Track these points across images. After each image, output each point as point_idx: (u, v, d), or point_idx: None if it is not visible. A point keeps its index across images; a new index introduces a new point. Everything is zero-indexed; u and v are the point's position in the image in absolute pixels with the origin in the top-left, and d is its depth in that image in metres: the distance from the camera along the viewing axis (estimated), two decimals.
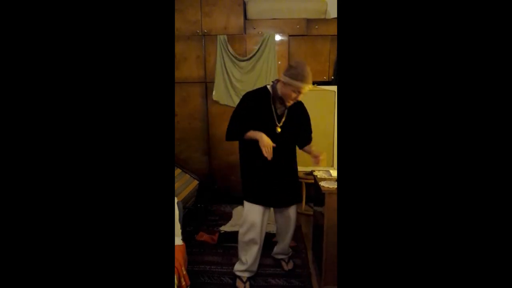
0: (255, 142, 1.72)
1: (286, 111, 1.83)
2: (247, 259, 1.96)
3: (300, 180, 3.01)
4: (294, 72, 1.67)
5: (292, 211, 1.99)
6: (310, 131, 2.00)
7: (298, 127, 1.89)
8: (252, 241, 1.92)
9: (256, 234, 1.89)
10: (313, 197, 2.94)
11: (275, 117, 1.81)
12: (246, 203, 1.91)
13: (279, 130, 1.80)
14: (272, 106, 1.81)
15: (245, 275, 2.00)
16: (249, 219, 1.89)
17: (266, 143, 1.67)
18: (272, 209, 2.01)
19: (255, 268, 2.01)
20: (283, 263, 2.20)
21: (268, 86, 1.86)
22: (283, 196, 1.90)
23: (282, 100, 1.77)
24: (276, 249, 2.23)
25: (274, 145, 1.68)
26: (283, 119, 1.82)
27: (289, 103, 1.76)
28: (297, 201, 2.01)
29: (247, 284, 1.98)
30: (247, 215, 1.90)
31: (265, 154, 1.67)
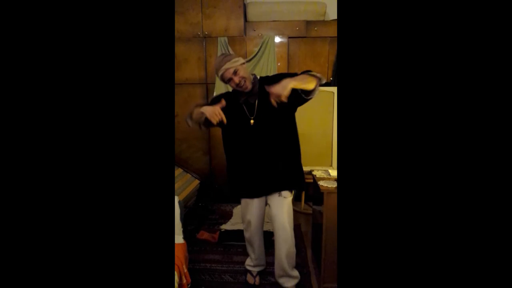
0: (230, 140, 1.75)
1: (256, 102, 1.70)
2: (253, 254, 2.01)
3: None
4: (216, 66, 1.64)
5: (285, 203, 1.78)
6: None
7: (278, 112, 1.63)
8: (251, 239, 1.96)
9: (252, 232, 1.91)
10: (312, 196, 2.98)
11: (247, 113, 1.71)
12: (241, 201, 1.90)
13: (252, 122, 1.69)
14: (242, 104, 1.72)
15: (255, 269, 2.05)
16: (245, 218, 1.90)
17: (209, 111, 1.51)
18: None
19: (263, 262, 2.04)
20: None
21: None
22: (272, 183, 1.75)
23: (247, 97, 1.70)
24: (275, 269, 1.89)
25: (224, 119, 1.51)
26: (256, 111, 1.70)
27: (246, 88, 1.64)
28: (292, 187, 1.81)
29: (257, 278, 2.03)
30: (243, 213, 1.92)
31: (212, 120, 1.50)
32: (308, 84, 1.55)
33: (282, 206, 1.78)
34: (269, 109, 1.60)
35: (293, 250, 1.83)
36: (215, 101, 1.71)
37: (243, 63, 1.65)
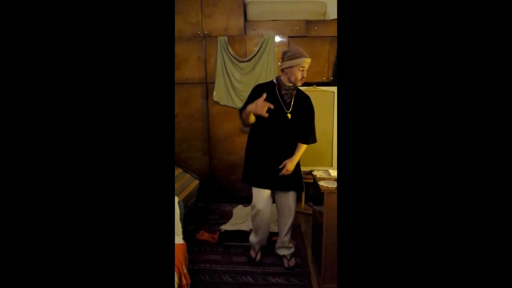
0: (262, 127, 1.95)
1: (293, 100, 1.96)
2: (257, 235, 2.19)
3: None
4: (291, 54, 1.85)
5: (291, 198, 2.07)
6: (312, 128, 2.05)
7: (305, 116, 2.00)
8: (258, 226, 2.14)
9: (260, 220, 2.10)
10: (312, 196, 2.97)
11: (283, 105, 1.94)
12: (253, 190, 2.07)
13: (289, 116, 1.94)
14: (279, 96, 1.94)
15: (257, 246, 2.25)
16: (257, 206, 2.06)
17: (259, 105, 1.76)
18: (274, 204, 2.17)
19: (265, 242, 2.26)
20: (285, 260, 2.25)
21: (274, 80, 2.00)
22: (286, 180, 2.01)
23: (287, 91, 1.92)
24: (277, 243, 2.27)
25: (271, 105, 1.77)
26: (291, 107, 1.95)
27: (300, 82, 1.89)
28: (297, 188, 2.08)
29: (259, 254, 2.26)
30: (254, 201, 2.07)
31: (260, 111, 1.76)
32: (302, 151, 2.02)
33: (287, 195, 2.07)
34: (301, 111, 1.99)
35: (292, 224, 2.17)
36: (256, 91, 1.94)
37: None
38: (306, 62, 1.83)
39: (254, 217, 2.11)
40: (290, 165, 1.95)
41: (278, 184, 2.02)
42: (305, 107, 2.01)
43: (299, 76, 1.86)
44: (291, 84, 1.90)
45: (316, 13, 3.14)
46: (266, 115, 1.75)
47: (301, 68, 1.83)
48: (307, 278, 2.09)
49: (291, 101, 1.96)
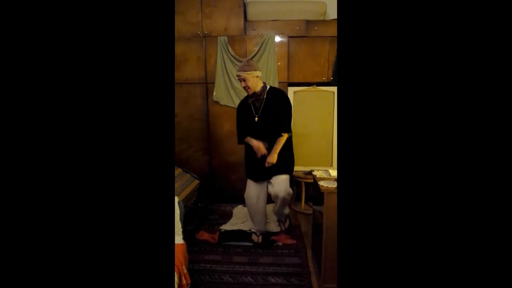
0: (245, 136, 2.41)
1: (263, 104, 2.35)
2: (254, 222, 2.58)
3: (299, 179, 3.06)
4: (238, 68, 2.32)
5: (279, 179, 2.40)
6: (286, 119, 2.36)
7: (276, 112, 2.33)
8: (250, 213, 2.58)
9: (250, 207, 2.55)
10: (312, 196, 2.97)
11: (253, 111, 2.38)
12: (247, 181, 2.54)
13: (256, 119, 2.36)
14: (251, 104, 2.38)
15: (258, 232, 2.54)
16: (247, 193, 2.53)
17: (256, 148, 2.33)
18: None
19: (263, 228, 2.58)
20: (281, 224, 2.68)
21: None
22: (269, 171, 2.39)
23: (254, 99, 2.35)
24: (273, 211, 2.65)
25: (265, 152, 2.31)
26: (260, 111, 2.36)
27: (248, 92, 2.32)
28: (286, 172, 2.42)
29: (260, 237, 2.53)
30: (247, 189, 2.54)
31: (258, 155, 2.32)
32: (282, 144, 2.34)
33: (279, 181, 2.40)
34: (272, 111, 2.34)
35: (285, 208, 2.58)
36: (238, 111, 2.50)
37: (256, 76, 2.28)
38: (242, 75, 2.25)
39: (247, 205, 2.58)
40: (270, 158, 2.29)
41: (263, 175, 2.42)
42: (276, 104, 2.33)
43: (242, 86, 2.32)
44: (249, 93, 2.33)
45: (316, 13, 3.13)
46: (258, 156, 2.33)
47: (241, 80, 2.28)
48: (307, 278, 2.09)
49: (260, 106, 2.35)
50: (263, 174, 2.42)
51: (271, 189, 2.44)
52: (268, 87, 2.40)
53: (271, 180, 2.44)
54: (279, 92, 2.42)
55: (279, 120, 2.32)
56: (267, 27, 3.11)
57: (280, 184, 2.39)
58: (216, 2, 3.03)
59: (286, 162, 2.41)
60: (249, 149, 2.41)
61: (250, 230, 2.62)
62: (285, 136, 2.32)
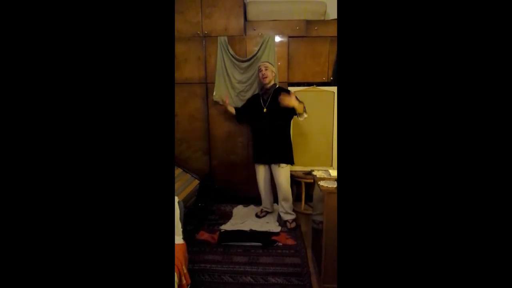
0: (253, 123, 2.89)
1: (270, 97, 2.71)
2: (262, 201, 3.01)
3: (299, 179, 3.06)
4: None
5: (282, 171, 2.74)
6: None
7: (279, 110, 2.61)
8: (260, 191, 2.97)
9: (259, 188, 2.96)
10: (312, 196, 2.97)
11: (262, 103, 2.76)
12: (255, 166, 2.91)
13: (265, 110, 2.72)
14: (260, 97, 2.79)
15: (264, 210, 3.03)
16: (257, 176, 2.92)
17: (226, 104, 2.93)
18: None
19: (268, 206, 3.02)
20: (288, 223, 2.81)
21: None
22: (273, 157, 2.74)
23: (264, 91, 2.75)
24: (279, 208, 2.91)
25: (227, 102, 2.92)
26: (267, 103, 2.73)
27: (264, 80, 2.68)
28: (286, 161, 2.73)
29: (262, 213, 3.00)
30: (256, 174, 2.93)
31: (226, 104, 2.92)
32: (299, 110, 2.56)
33: (280, 173, 2.75)
34: (275, 106, 2.63)
35: (289, 198, 2.83)
36: (250, 97, 3.00)
37: (273, 72, 2.76)
38: (265, 64, 2.70)
39: (258, 187, 2.99)
40: (284, 98, 2.46)
41: (270, 159, 2.75)
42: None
43: (260, 76, 2.71)
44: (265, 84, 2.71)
45: (316, 13, 3.13)
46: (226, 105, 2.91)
47: (261, 69, 2.69)
48: (307, 278, 2.09)
49: (268, 99, 2.72)
50: (264, 157, 2.79)
51: (274, 176, 2.80)
52: (277, 85, 2.81)
53: (272, 168, 2.80)
54: (286, 90, 2.70)
55: (285, 110, 2.56)
56: (267, 27, 3.11)
57: (280, 171, 2.75)
58: (216, 2, 3.03)
59: (283, 152, 2.74)
60: (255, 133, 2.84)
61: (250, 230, 2.65)
62: (300, 110, 2.54)
